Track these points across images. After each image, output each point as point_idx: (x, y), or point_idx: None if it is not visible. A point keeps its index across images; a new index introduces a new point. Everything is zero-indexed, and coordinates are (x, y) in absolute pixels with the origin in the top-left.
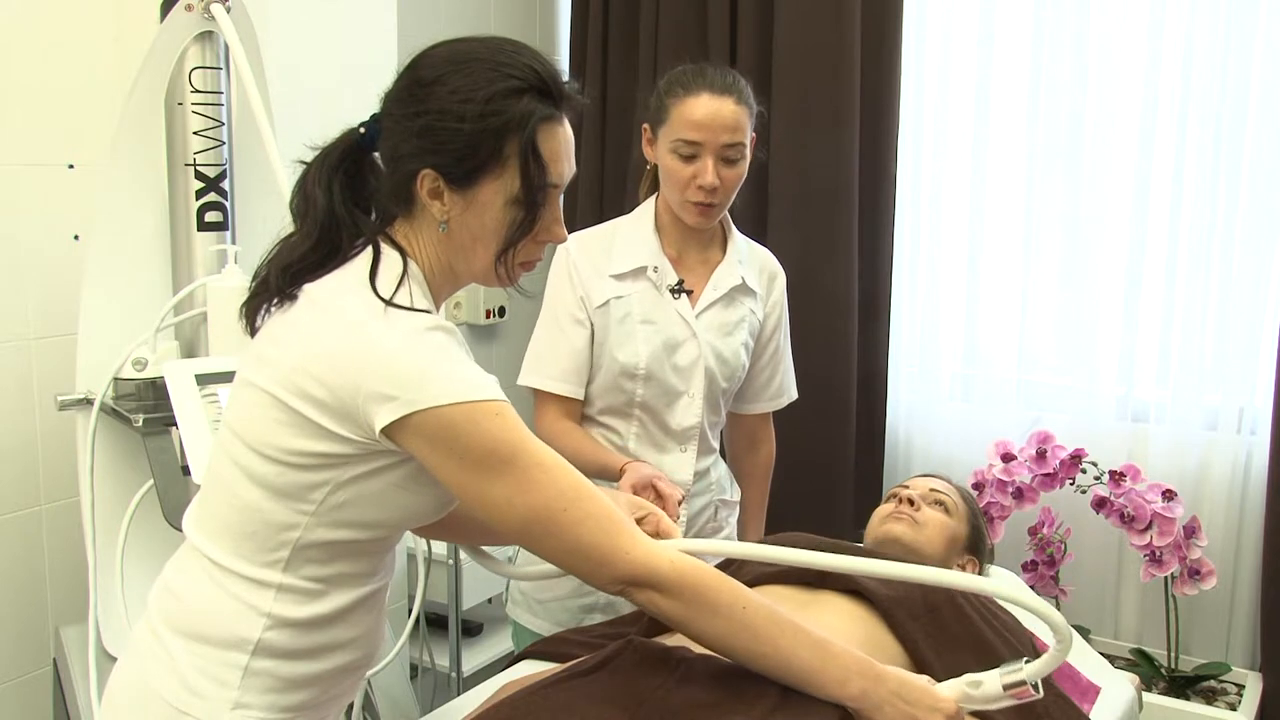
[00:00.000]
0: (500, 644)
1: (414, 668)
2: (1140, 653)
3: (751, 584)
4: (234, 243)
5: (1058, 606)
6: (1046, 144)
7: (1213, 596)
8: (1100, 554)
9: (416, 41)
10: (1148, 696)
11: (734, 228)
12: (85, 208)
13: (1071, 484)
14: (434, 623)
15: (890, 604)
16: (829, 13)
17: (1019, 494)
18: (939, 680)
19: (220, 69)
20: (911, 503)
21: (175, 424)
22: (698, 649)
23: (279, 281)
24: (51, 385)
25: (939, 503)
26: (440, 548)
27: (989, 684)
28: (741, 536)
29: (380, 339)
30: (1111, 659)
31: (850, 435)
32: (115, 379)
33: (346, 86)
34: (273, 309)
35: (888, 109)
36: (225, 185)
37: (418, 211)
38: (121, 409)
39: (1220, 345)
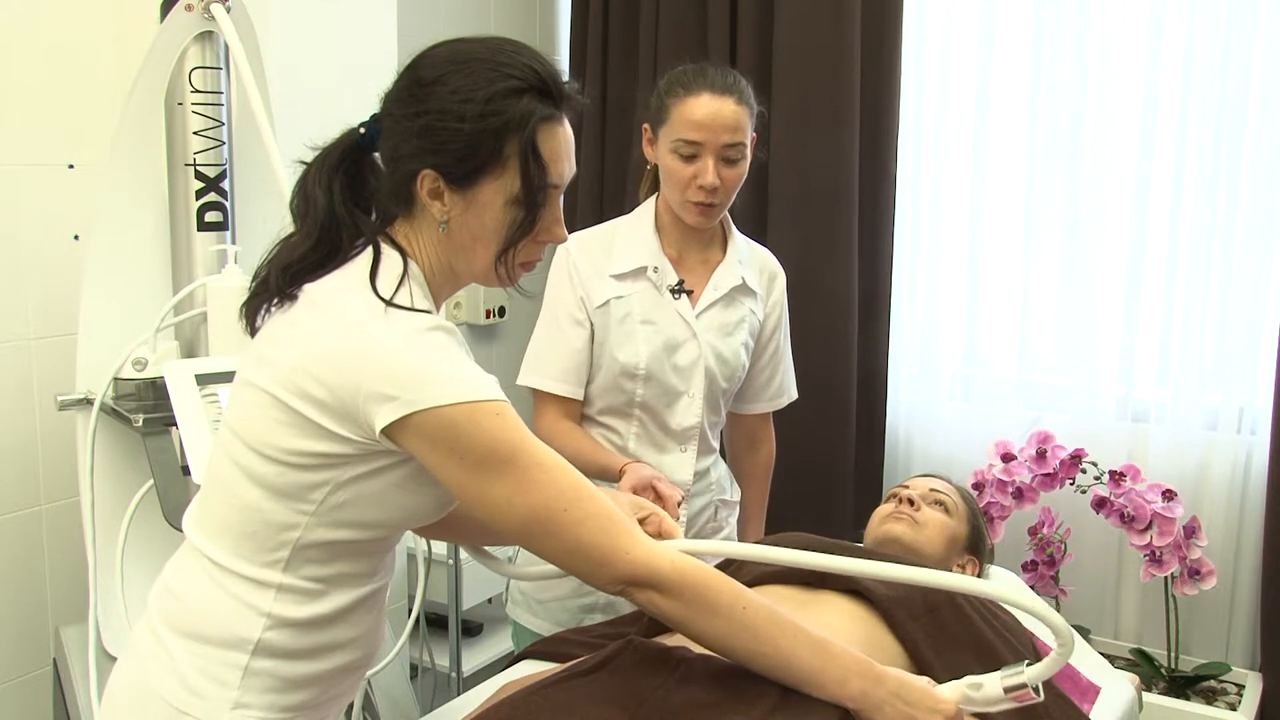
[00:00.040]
0: (500, 644)
1: (414, 668)
2: (1140, 653)
3: (751, 584)
4: (234, 243)
5: (1057, 606)
6: (1046, 144)
7: (1213, 596)
8: (1100, 554)
9: (416, 41)
10: (1148, 696)
11: (734, 228)
12: (85, 208)
13: (1071, 484)
14: (434, 623)
15: (890, 604)
16: (829, 13)
17: (1019, 494)
18: (939, 681)
19: (220, 69)
20: (911, 503)
21: (175, 424)
22: (698, 649)
23: (279, 281)
24: (51, 385)
25: (939, 503)
26: (440, 548)
27: (990, 686)
28: (741, 536)
29: (380, 339)
30: (1111, 659)
31: (850, 435)
32: (115, 379)
33: (346, 86)
34: (273, 309)
35: (888, 109)
36: (225, 185)
37: (418, 211)
38: (121, 409)
39: (1220, 345)
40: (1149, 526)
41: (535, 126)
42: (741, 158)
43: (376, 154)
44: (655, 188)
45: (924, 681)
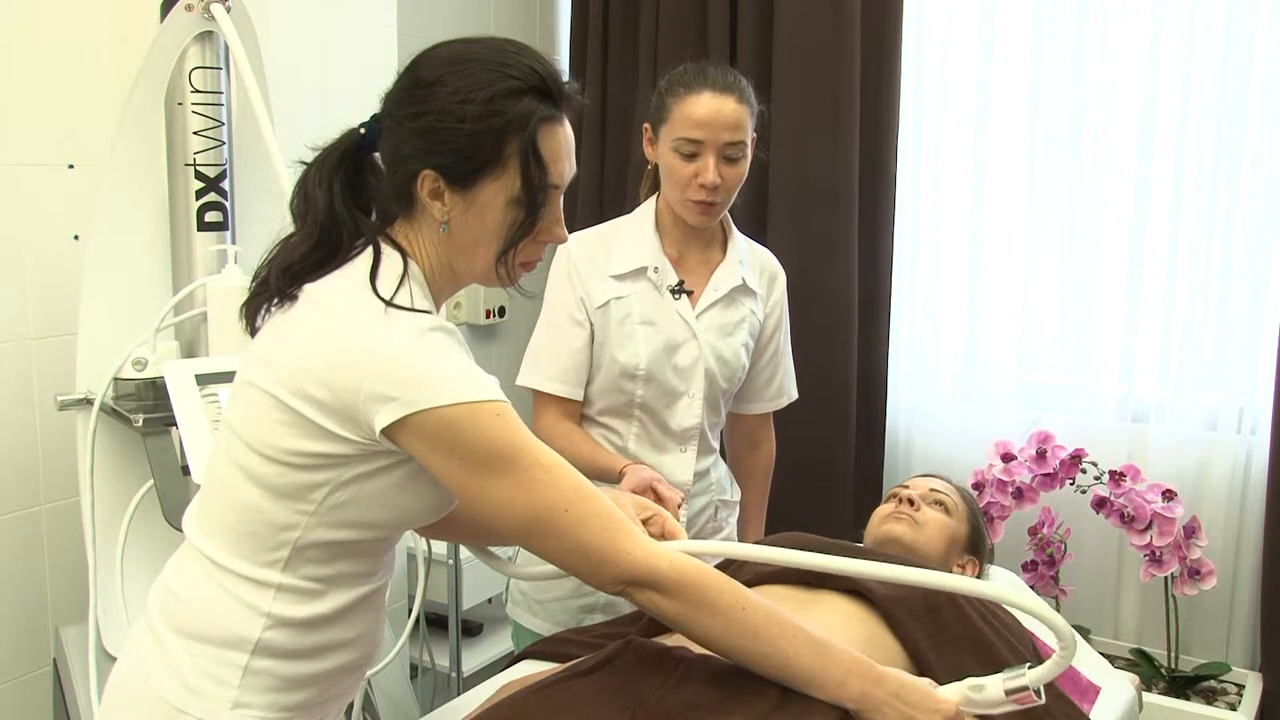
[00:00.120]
0: (500, 644)
1: (414, 668)
2: (1140, 653)
3: (751, 584)
4: (234, 243)
5: (1057, 606)
6: (1046, 144)
7: (1213, 596)
8: (1100, 554)
9: (416, 42)
10: (1148, 696)
11: (734, 228)
12: (85, 208)
13: (1071, 484)
14: (434, 623)
15: (890, 604)
16: (829, 13)
17: (1019, 494)
18: (940, 680)
19: (220, 69)
20: (911, 503)
21: (175, 424)
22: (698, 649)
23: (279, 282)
24: (51, 385)
25: (939, 503)
26: (440, 548)
27: (991, 688)
28: (741, 536)
29: (381, 340)
30: (1111, 659)
31: (850, 435)
32: (115, 379)
33: (346, 86)
34: (273, 309)
35: (888, 109)
36: (225, 185)
37: (418, 212)
38: (121, 409)
39: (1220, 345)
40: (1149, 526)
41: (535, 127)
42: (742, 156)
43: (377, 154)
44: (655, 188)
45: (924, 682)
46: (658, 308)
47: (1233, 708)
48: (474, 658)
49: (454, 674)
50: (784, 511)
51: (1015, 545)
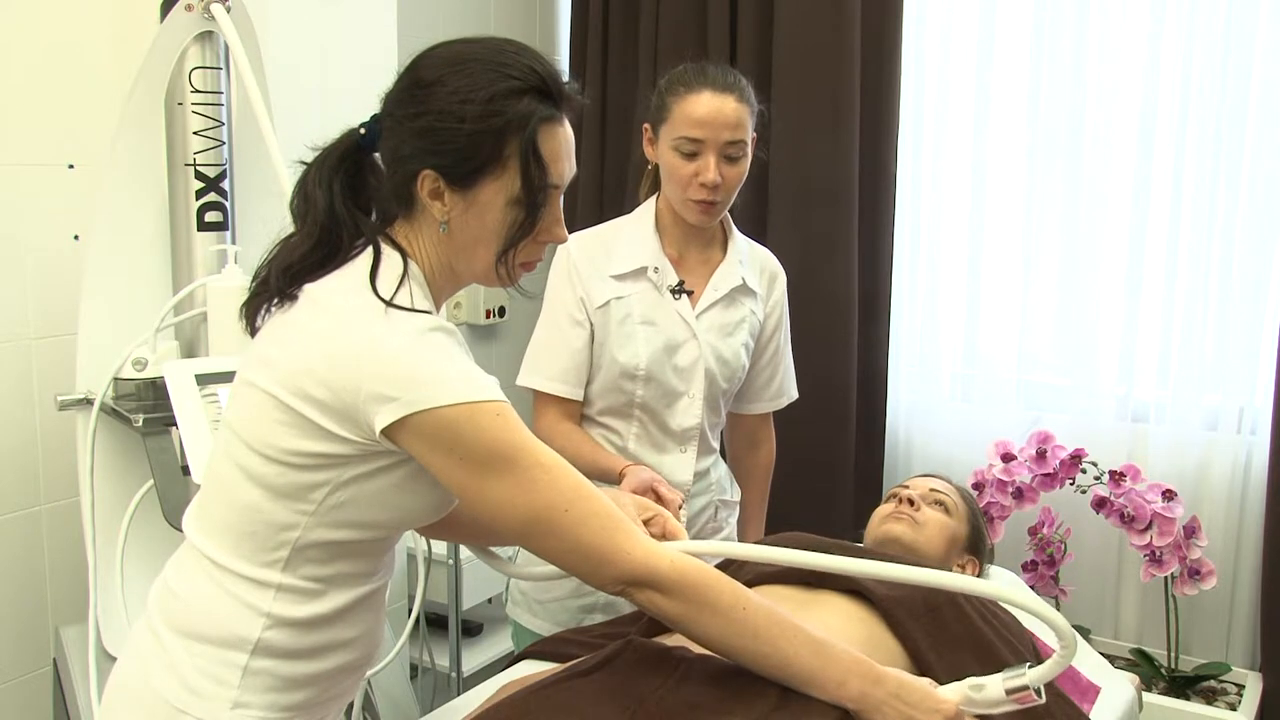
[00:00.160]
0: (500, 644)
1: (414, 668)
2: (1140, 653)
3: (751, 584)
4: (234, 243)
5: (1058, 606)
6: (1046, 144)
7: (1213, 596)
8: (1100, 554)
9: (416, 42)
10: (1148, 696)
11: (734, 228)
12: (85, 208)
13: (1071, 484)
14: (434, 623)
15: (890, 604)
16: (829, 13)
17: (1019, 494)
18: (940, 680)
19: (220, 69)
20: (911, 503)
21: (175, 424)
22: (697, 649)
23: (279, 282)
24: (51, 385)
25: (939, 503)
26: (440, 548)
27: (991, 688)
28: (741, 536)
29: (381, 340)
30: (1111, 659)
31: (850, 435)
32: (115, 379)
33: (346, 86)
34: (273, 309)
35: (888, 109)
36: (225, 185)
37: (418, 212)
38: (121, 409)
39: (1220, 345)
40: (1149, 526)
41: (535, 127)
42: (743, 155)
43: (376, 154)
44: (655, 188)
45: (924, 682)
46: (658, 308)
47: (1233, 708)
48: (474, 658)
49: (454, 674)
50: (784, 511)
51: (1015, 545)
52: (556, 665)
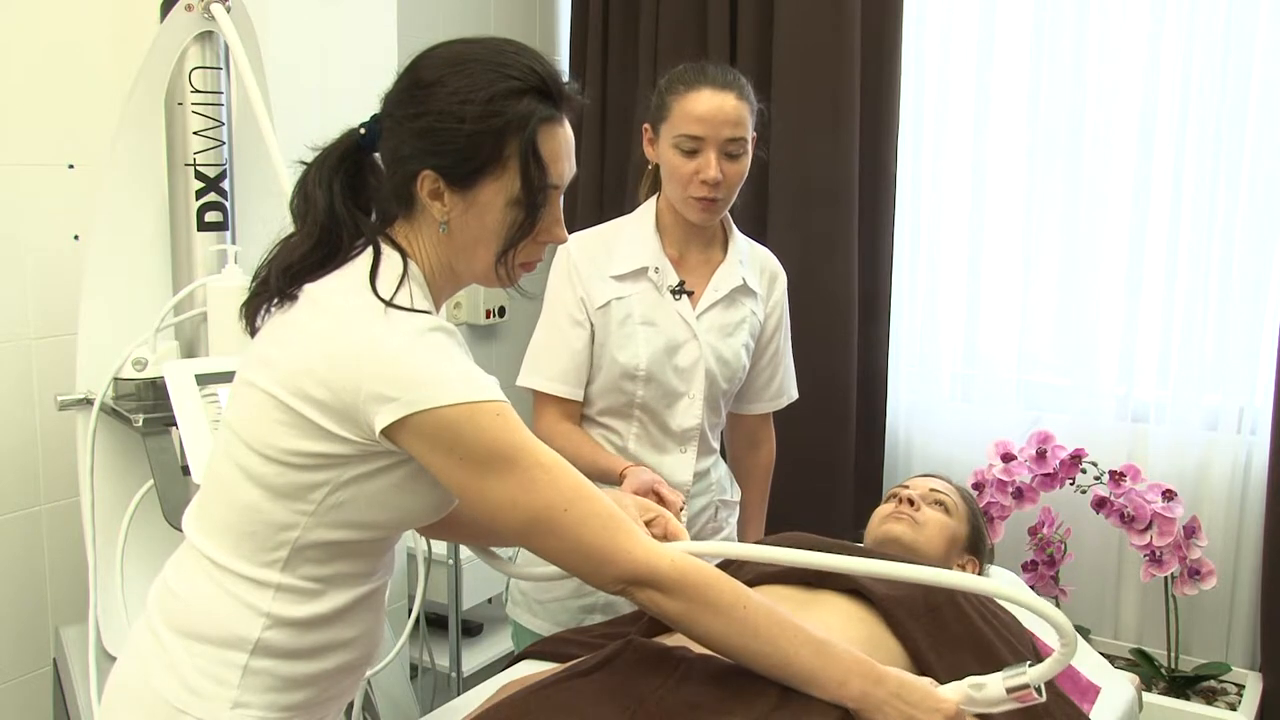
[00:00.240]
0: (500, 644)
1: (414, 668)
2: (1140, 653)
3: (751, 584)
4: (234, 243)
5: (1057, 606)
6: (1046, 144)
7: (1213, 596)
8: (1100, 554)
9: (416, 42)
10: (1148, 696)
11: (735, 228)
12: (85, 208)
13: (1071, 484)
14: (434, 623)
15: (891, 604)
16: (829, 13)
17: (1019, 494)
18: (940, 680)
19: (220, 69)
20: (911, 503)
21: (175, 424)
22: (698, 649)
23: (279, 282)
24: (51, 385)
25: (939, 503)
26: (440, 548)
27: (992, 687)
28: (741, 536)
29: (381, 340)
30: (1111, 659)
31: (850, 435)
32: (115, 379)
33: (346, 86)
34: (273, 309)
35: (888, 109)
36: (225, 185)
37: (418, 212)
38: (121, 409)
39: (1220, 345)
40: (1149, 526)
41: (535, 127)
42: (743, 153)
43: (377, 154)
44: (655, 188)
45: (925, 682)
46: (658, 308)
47: (1233, 708)
48: (474, 658)
49: (454, 674)
50: (784, 511)
51: (1015, 545)
52: (556, 665)
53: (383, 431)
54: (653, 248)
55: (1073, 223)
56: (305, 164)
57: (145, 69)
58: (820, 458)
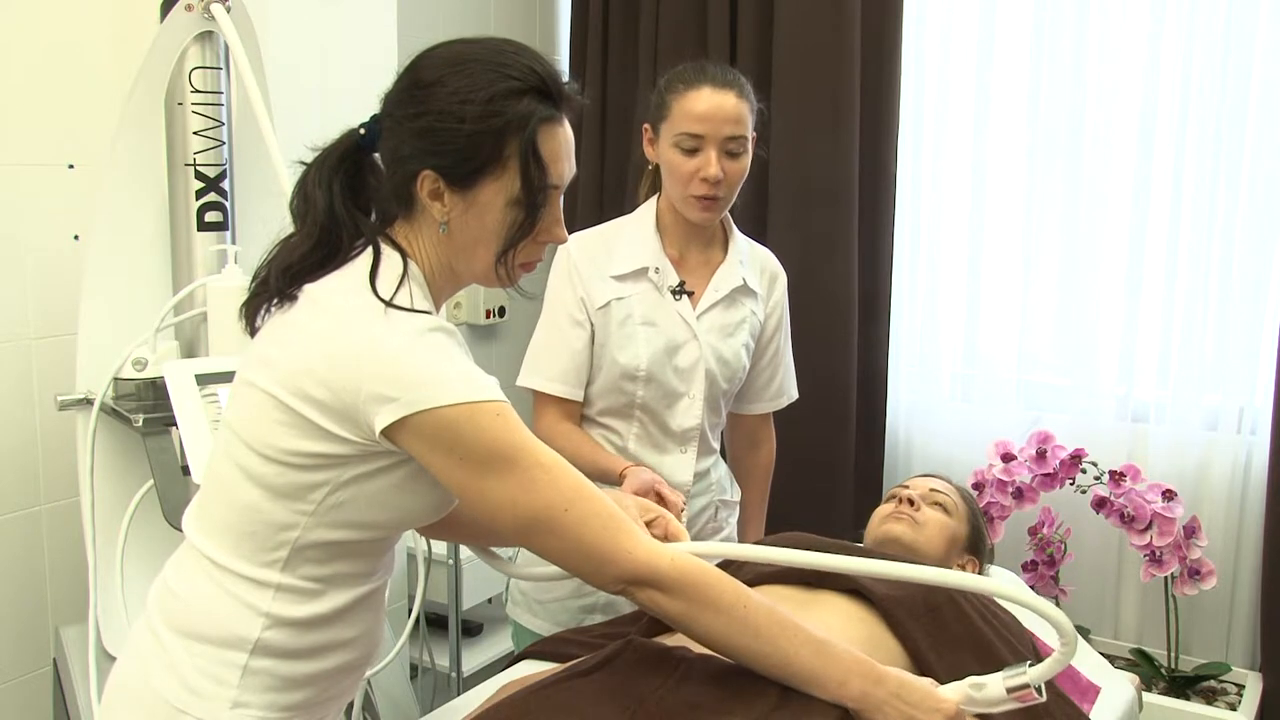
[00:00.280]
0: (500, 644)
1: (414, 668)
2: (1140, 653)
3: (751, 584)
4: (234, 243)
5: (1057, 606)
6: (1046, 144)
7: (1213, 596)
8: (1100, 554)
9: (416, 42)
10: (1148, 696)
11: (735, 228)
12: (85, 208)
13: (1071, 484)
14: (434, 623)
15: (890, 604)
16: (829, 13)
17: (1019, 494)
18: (940, 680)
19: (220, 69)
20: (911, 503)
21: (175, 424)
22: (698, 649)
23: (279, 282)
24: (51, 385)
25: (939, 503)
26: (440, 548)
27: (992, 687)
28: (741, 537)
29: (381, 340)
30: (1111, 659)
31: (850, 435)
32: (115, 379)
33: (346, 86)
34: (272, 309)
35: (888, 109)
36: (225, 185)
37: (418, 212)
38: (121, 409)
39: (1220, 345)
40: (1149, 526)
41: (535, 127)
42: (744, 151)
43: (376, 154)
44: (654, 189)
45: (925, 682)
46: (658, 308)
47: (1233, 708)
48: (474, 658)
49: (454, 674)
50: (784, 511)
51: (1015, 545)
52: (556, 665)
53: (383, 432)
54: (653, 248)
55: (1073, 223)
56: (305, 164)
57: (145, 69)
58: (820, 458)
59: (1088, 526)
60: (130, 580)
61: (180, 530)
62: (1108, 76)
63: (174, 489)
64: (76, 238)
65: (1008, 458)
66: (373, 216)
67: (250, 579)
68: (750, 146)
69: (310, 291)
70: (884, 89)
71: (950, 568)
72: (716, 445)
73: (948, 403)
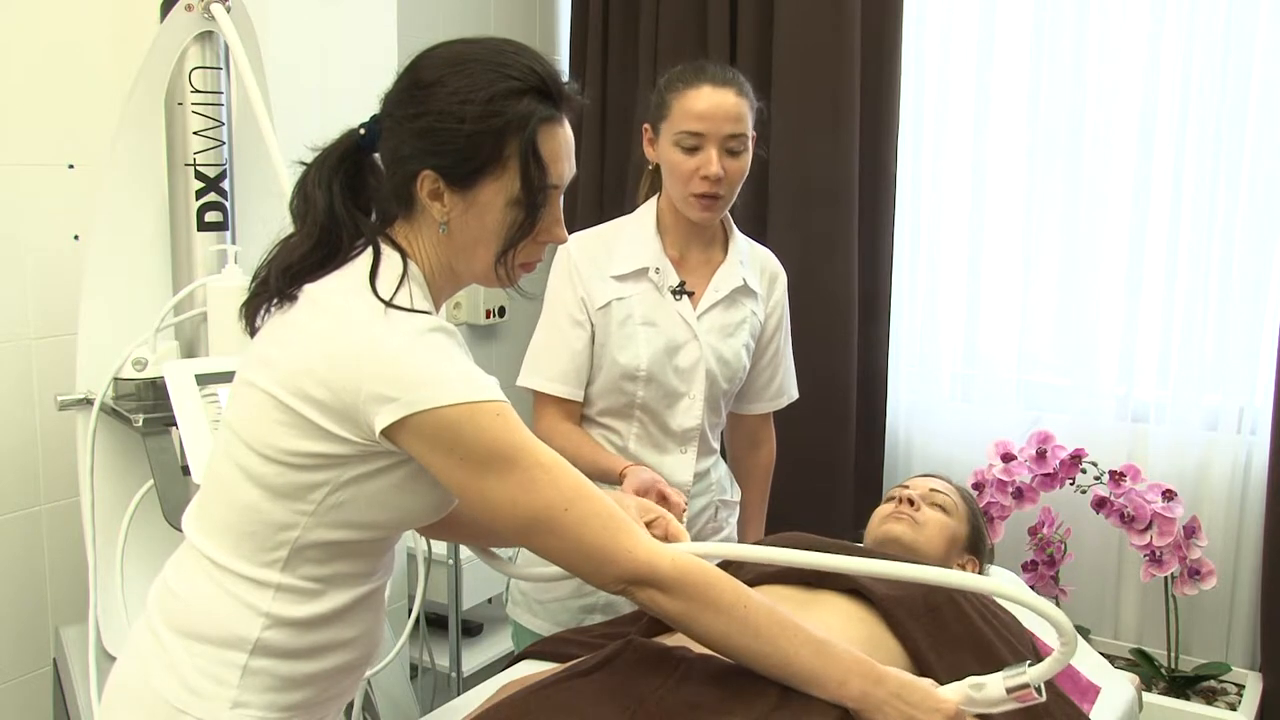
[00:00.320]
0: (500, 644)
1: (414, 668)
2: (1140, 653)
3: (751, 584)
4: (234, 243)
5: (1057, 606)
6: (1046, 144)
7: (1213, 596)
8: (1100, 554)
9: (416, 42)
10: (1148, 696)
11: (735, 228)
12: (85, 208)
13: (1071, 484)
14: (434, 623)
15: (890, 604)
16: (829, 13)
17: (1019, 494)
18: (941, 680)
19: (220, 69)
20: (911, 503)
21: (175, 424)
22: (698, 649)
23: (279, 282)
24: (51, 385)
25: (939, 503)
26: (440, 548)
27: (992, 687)
28: (741, 537)
29: (381, 340)
30: (1111, 659)
31: (850, 435)
32: (115, 379)
33: (346, 86)
34: (272, 309)
35: (888, 109)
36: (225, 185)
37: (418, 212)
38: (121, 409)
39: (1220, 345)
40: (1149, 526)
41: (535, 127)
42: (744, 149)
43: (376, 155)
44: (654, 189)
45: (925, 682)
46: (659, 309)
47: (1233, 708)
48: (474, 658)
49: (454, 674)
50: (784, 511)
51: (1015, 545)
52: (556, 665)
53: (383, 432)
54: (653, 248)
55: (1073, 223)
56: (305, 164)
57: (145, 69)
58: (820, 458)
59: (1088, 526)
60: (130, 580)
61: (180, 530)
62: (1108, 76)
63: (174, 489)
64: (76, 238)
65: (1008, 458)
66: (373, 217)
67: (250, 579)
68: (750, 145)
69: (310, 292)
70: (884, 89)
71: (950, 568)
72: (716, 445)
73: (948, 403)
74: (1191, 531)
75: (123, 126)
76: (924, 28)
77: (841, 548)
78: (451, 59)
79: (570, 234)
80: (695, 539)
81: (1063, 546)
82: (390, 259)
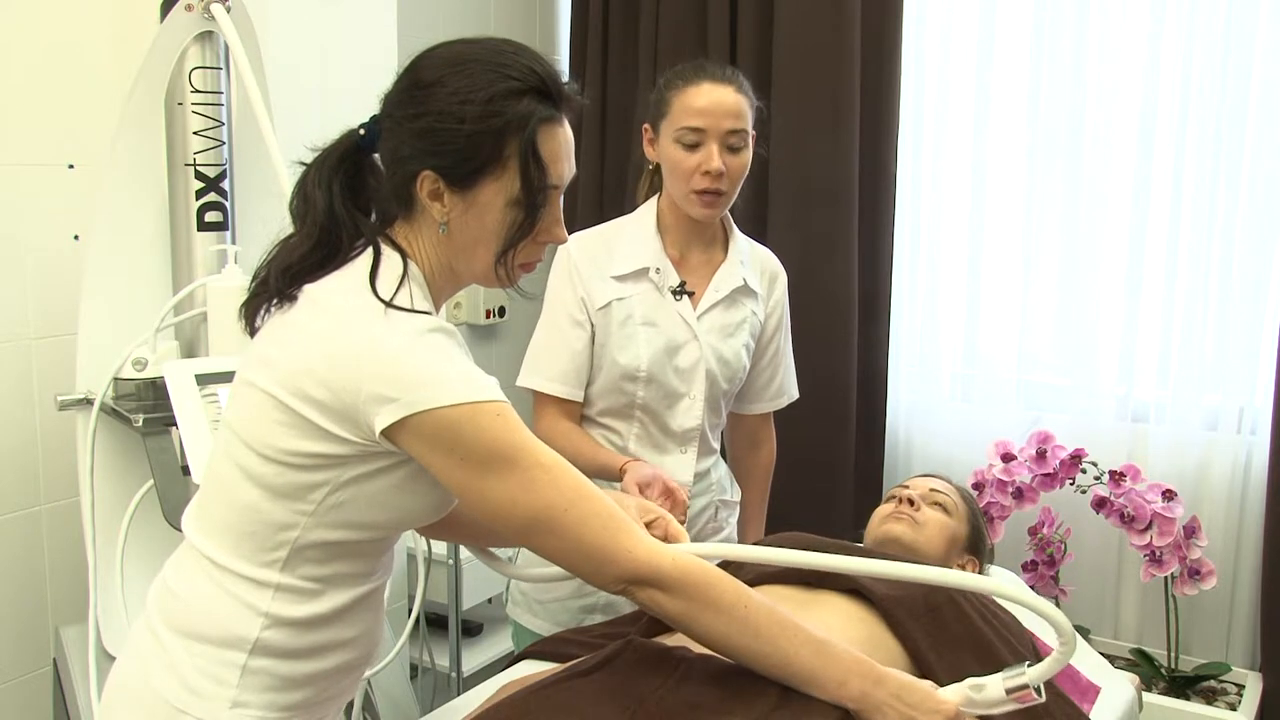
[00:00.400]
0: (500, 644)
1: (414, 668)
2: (1140, 653)
3: (751, 584)
4: (234, 243)
5: (1057, 606)
6: (1046, 144)
7: (1213, 596)
8: (1100, 554)
9: (416, 42)
10: (1148, 696)
11: (735, 228)
12: (85, 208)
13: (1071, 484)
14: (434, 623)
15: (890, 604)
16: (829, 13)
17: (1019, 494)
18: (941, 681)
19: (220, 69)
20: (911, 503)
21: (175, 424)
22: (698, 649)
23: (279, 282)
24: (51, 385)
25: (939, 503)
26: (440, 548)
27: (991, 688)
28: (741, 537)
29: (381, 341)
30: (1111, 659)
31: (850, 435)
32: (115, 379)
33: (346, 86)
34: (272, 309)
35: (888, 109)
36: (225, 185)
37: (418, 213)
38: (121, 409)
39: (1220, 345)
40: (1149, 526)
41: (535, 127)
42: (744, 146)
43: (376, 155)
44: (654, 189)
45: (925, 683)
46: (659, 309)
47: (1233, 708)
48: (474, 658)
49: (454, 674)
50: (784, 511)
51: (1015, 545)
52: (556, 665)
53: (383, 432)
54: (654, 248)
55: (1073, 223)
56: (305, 164)
57: (145, 69)
58: (820, 458)
59: (1088, 526)
60: (130, 580)
61: (180, 530)
62: (1108, 76)
63: (174, 489)
64: (76, 238)
65: (1008, 458)
66: (372, 217)
67: (250, 579)
68: (750, 142)
69: (310, 292)
70: (884, 89)
71: (950, 568)
72: (716, 445)
73: (948, 403)
74: (1191, 531)
75: (123, 126)
76: (924, 28)
77: (841, 548)
78: (451, 59)
79: (570, 234)
80: (695, 539)
81: (1063, 546)
82: (390, 259)
